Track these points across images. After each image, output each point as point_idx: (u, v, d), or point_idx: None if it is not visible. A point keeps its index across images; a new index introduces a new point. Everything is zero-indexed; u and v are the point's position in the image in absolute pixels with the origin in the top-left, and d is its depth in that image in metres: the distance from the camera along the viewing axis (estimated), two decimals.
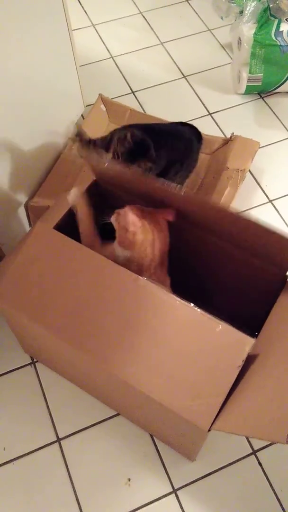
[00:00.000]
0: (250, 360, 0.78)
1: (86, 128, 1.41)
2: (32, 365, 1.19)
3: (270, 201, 1.44)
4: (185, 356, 0.79)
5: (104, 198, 1.02)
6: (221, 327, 0.80)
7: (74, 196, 0.96)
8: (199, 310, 0.82)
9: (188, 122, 1.41)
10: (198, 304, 0.84)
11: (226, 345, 0.79)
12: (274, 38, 1.50)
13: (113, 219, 0.94)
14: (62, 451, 1.08)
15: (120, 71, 1.74)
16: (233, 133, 1.39)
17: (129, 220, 0.89)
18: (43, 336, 0.95)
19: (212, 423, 0.73)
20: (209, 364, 0.78)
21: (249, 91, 1.64)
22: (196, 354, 0.79)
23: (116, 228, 0.93)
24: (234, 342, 0.79)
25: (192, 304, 0.83)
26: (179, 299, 0.83)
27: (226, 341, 0.79)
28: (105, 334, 0.82)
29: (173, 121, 1.36)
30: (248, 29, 1.52)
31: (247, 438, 1.09)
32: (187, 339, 0.81)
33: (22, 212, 1.29)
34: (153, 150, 1.11)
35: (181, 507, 1.03)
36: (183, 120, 1.52)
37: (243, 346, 0.78)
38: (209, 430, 0.74)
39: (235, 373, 0.76)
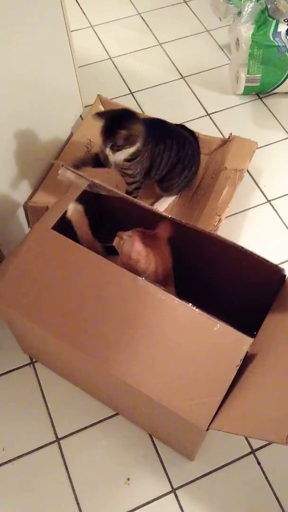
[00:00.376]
0: (248, 359, 0.79)
1: (84, 129, 1.43)
2: (31, 365, 1.19)
3: (269, 201, 1.45)
4: (183, 356, 0.80)
5: (98, 202, 1.02)
6: (219, 327, 0.80)
7: (72, 211, 0.96)
8: (197, 309, 0.82)
9: (187, 123, 1.42)
10: (197, 303, 0.84)
11: (224, 345, 0.80)
12: (272, 39, 1.50)
13: (115, 243, 0.94)
14: (61, 451, 1.09)
15: (119, 72, 1.74)
16: (231, 134, 1.40)
17: (134, 249, 0.90)
18: (42, 337, 0.95)
19: (211, 423, 0.74)
20: (208, 363, 0.79)
21: (247, 91, 1.64)
22: (194, 354, 0.80)
23: (119, 252, 0.94)
24: (232, 342, 0.80)
25: (190, 304, 0.83)
26: (177, 299, 0.83)
27: (224, 340, 0.80)
28: (103, 334, 0.82)
29: (172, 122, 1.36)
30: (246, 30, 1.52)
31: (246, 438, 1.10)
32: (185, 339, 0.81)
33: (21, 212, 1.30)
34: (134, 121, 1.11)
35: (180, 507, 1.03)
36: (182, 121, 1.53)
37: (241, 345, 0.79)
38: (207, 430, 0.74)
39: (233, 372, 0.77)
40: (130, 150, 1.14)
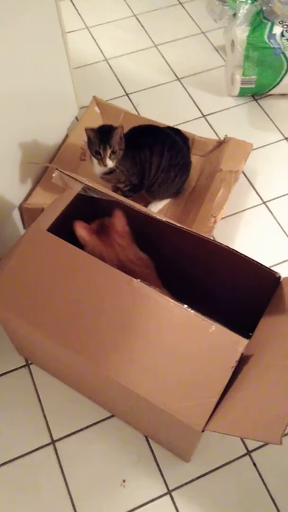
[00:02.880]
0: (243, 360, 0.79)
1: (80, 131, 1.42)
2: (27, 367, 1.19)
3: (264, 202, 1.45)
4: (178, 357, 0.80)
5: (93, 204, 1.02)
6: (215, 328, 0.80)
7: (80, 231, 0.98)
8: (192, 311, 0.82)
9: (182, 124, 1.42)
10: (192, 305, 0.84)
11: (219, 346, 0.80)
12: (267, 41, 1.51)
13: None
14: (56, 453, 1.08)
15: (114, 73, 1.74)
16: (226, 135, 1.40)
17: (78, 235, 0.95)
18: (37, 339, 0.95)
19: (206, 424, 0.74)
20: (203, 365, 0.79)
21: (242, 93, 1.65)
22: (189, 355, 0.80)
23: None
24: (228, 343, 0.80)
25: (185, 306, 0.83)
26: (172, 300, 0.83)
27: (219, 341, 0.80)
28: (99, 336, 0.82)
29: (167, 123, 1.36)
30: (241, 32, 1.53)
31: (242, 439, 1.10)
32: (180, 340, 0.81)
33: (16, 214, 1.29)
34: (116, 135, 1.13)
35: (176, 508, 1.03)
36: (177, 123, 1.54)
37: (236, 346, 0.79)
38: (202, 431, 0.74)
39: (229, 373, 0.77)
40: (119, 156, 1.15)
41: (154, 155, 1.22)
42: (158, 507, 1.03)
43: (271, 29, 1.52)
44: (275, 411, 0.66)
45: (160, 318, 0.82)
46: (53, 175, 0.96)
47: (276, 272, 0.88)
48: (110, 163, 1.14)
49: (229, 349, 0.79)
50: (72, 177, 0.95)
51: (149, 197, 1.33)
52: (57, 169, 0.95)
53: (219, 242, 0.91)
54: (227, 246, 0.89)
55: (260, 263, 0.88)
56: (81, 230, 0.96)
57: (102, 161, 1.14)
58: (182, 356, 0.80)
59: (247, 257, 0.88)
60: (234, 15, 1.58)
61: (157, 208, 1.33)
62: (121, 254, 0.97)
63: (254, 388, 0.73)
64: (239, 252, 0.88)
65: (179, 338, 0.81)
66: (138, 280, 0.85)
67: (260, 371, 0.75)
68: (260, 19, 1.52)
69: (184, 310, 0.83)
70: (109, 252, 0.96)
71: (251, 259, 0.88)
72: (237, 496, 1.04)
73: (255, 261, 0.88)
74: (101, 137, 1.12)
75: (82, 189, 0.97)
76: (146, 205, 1.34)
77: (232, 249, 0.89)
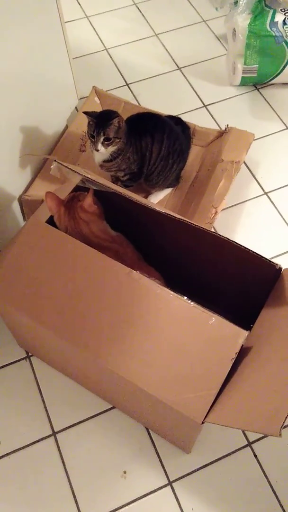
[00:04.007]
0: (243, 352, 0.78)
1: (80, 121, 1.41)
2: (27, 359, 1.19)
3: (266, 193, 1.44)
4: (178, 349, 0.79)
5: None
6: (215, 320, 0.80)
7: None
8: (192, 303, 0.82)
9: (183, 114, 1.41)
10: (193, 297, 0.84)
11: (219, 338, 0.79)
12: (269, 29, 1.48)
13: None
14: (57, 444, 1.09)
15: (114, 63, 1.72)
16: (228, 125, 1.38)
17: (47, 205, 0.96)
18: (37, 331, 0.95)
19: (206, 416, 0.74)
20: (203, 357, 0.78)
21: (244, 82, 1.63)
22: (189, 347, 0.79)
23: None
24: (228, 335, 0.79)
25: (185, 297, 0.83)
26: (172, 292, 0.83)
27: (219, 333, 0.79)
28: (98, 328, 0.82)
29: (168, 113, 1.35)
30: (242, 20, 1.51)
31: (243, 430, 1.10)
32: (180, 332, 0.81)
33: (16, 206, 1.29)
34: (113, 124, 1.12)
35: (177, 499, 1.03)
36: (178, 113, 1.53)
37: (236, 338, 0.78)
38: (202, 423, 0.74)
39: (229, 365, 0.77)
40: (118, 144, 1.14)
41: (155, 142, 1.21)
42: (159, 498, 1.03)
43: (273, 17, 1.49)
44: (274, 403, 0.66)
45: (160, 310, 0.82)
46: (51, 167, 0.96)
47: (277, 264, 0.87)
48: (102, 149, 1.14)
49: (229, 341, 0.79)
50: (70, 169, 0.94)
51: (148, 187, 1.32)
52: (55, 160, 0.95)
53: (219, 234, 0.90)
54: (227, 238, 0.88)
55: (260, 255, 0.87)
56: (50, 201, 0.96)
57: (94, 145, 1.14)
58: (182, 347, 0.79)
59: (247, 249, 0.87)
60: (236, 3, 1.56)
61: (158, 199, 1.32)
62: (84, 229, 0.97)
63: (254, 380, 0.73)
64: (239, 244, 0.87)
65: (179, 330, 0.81)
66: (138, 272, 0.84)
67: (260, 364, 0.75)
68: (262, 7, 1.50)
69: (184, 302, 0.82)
70: (72, 225, 0.97)
71: (252, 251, 0.87)
72: (238, 487, 1.04)
73: (256, 253, 0.87)
74: (97, 122, 1.12)
75: (81, 181, 0.96)
76: (146, 197, 1.33)
77: (233, 241, 0.88)
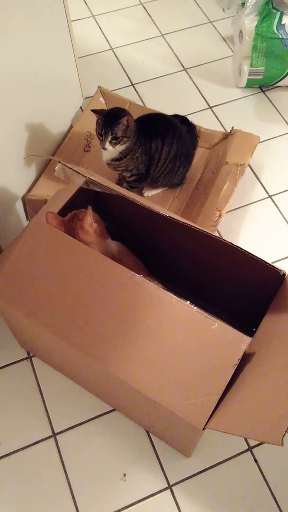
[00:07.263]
0: (246, 358, 0.78)
1: (84, 121, 1.41)
2: (28, 359, 1.18)
3: (270, 196, 1.43)
4: (181, 354, 0.79)
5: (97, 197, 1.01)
6: (217, 325, 0.79)
7: None
8: (195, 308, 0.81)
9: (188, 116, 1.40)
10: (196, 301, 0.83)
11: (222, 344, 0.79)
12: (276, 31, 1.48)
13: None
14: (57, 446, 1.08)
15: (120, 63, 1.72)
16: (233, 127, 1.38)
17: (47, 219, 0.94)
18: (39, 333, 0.95)
19: (207, 422, 0.73)
20: (205, 362, 0.78)
21: (250, 84, 1.62)
22: (192, 352, 0.79)
23: None
24: (230, 341, 0.79)
25: (188, 302, 0.82)
26: (175, 296, 0.82)
27: (222, 339, 0.79)
28: (101, 331, 0.81)
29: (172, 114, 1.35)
30: (249, 22, 1.50)
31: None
32: (183, 337, 0.80)
33: (19, 205, 1.28)
34: (122, 123, 1.11)
35: (176, 503, 1.03)
36: (183, 114, 1.51)
37: (239, 344, 0.78)
38: (203, 429, 0.73)
39: (231, 372, 0.76)
40: (127, 142, 1.14)
41: (165, 145, 1.20)
42: (159, 502, 1.03)
43: (280, 19, 1.49)
44: (277, 411, 0.66)
45: (162, 314, 0.82)
46: (56, 168, 0.95)
47: (281, 270, 0.87)
48: (109, 148, 1.13)
49: (232, 347, 0.78)
50: (74, 170, 0.93)
51: (150, 186, 1.32)
52: (59, 162, 0.94)
53: (223, 239, 0.89)
54: (231, 243, 0.88)
55: (264, 260, 0.87)
56: (51, 222, 0.93)
57: (102, 143, 1.13)
58: (184, 353, 0.79)
59: (251, 254, 0.86)
60: (243, 4, 1.56)
61: (152, 193, 1.32)
62: None
63: (256, 387, 0.72)
64: (242, 249, 0.87)
65: (181, 335, 0.80)
66: (141, 275, 0.84)
67: (262, 370, 0.74)
68: (269, 9, 1.49)
69: (186, 307, 0.82)
70: None
71: (255, 256, 0.86)
72: (238, 492, 1.04)
73: (259, 258, 0.86)
74: (106, 120, 1.11)
75: (85, 183, 0.96)
76: (140, 190, 1.32)
77: (236, 246, 0.87)
